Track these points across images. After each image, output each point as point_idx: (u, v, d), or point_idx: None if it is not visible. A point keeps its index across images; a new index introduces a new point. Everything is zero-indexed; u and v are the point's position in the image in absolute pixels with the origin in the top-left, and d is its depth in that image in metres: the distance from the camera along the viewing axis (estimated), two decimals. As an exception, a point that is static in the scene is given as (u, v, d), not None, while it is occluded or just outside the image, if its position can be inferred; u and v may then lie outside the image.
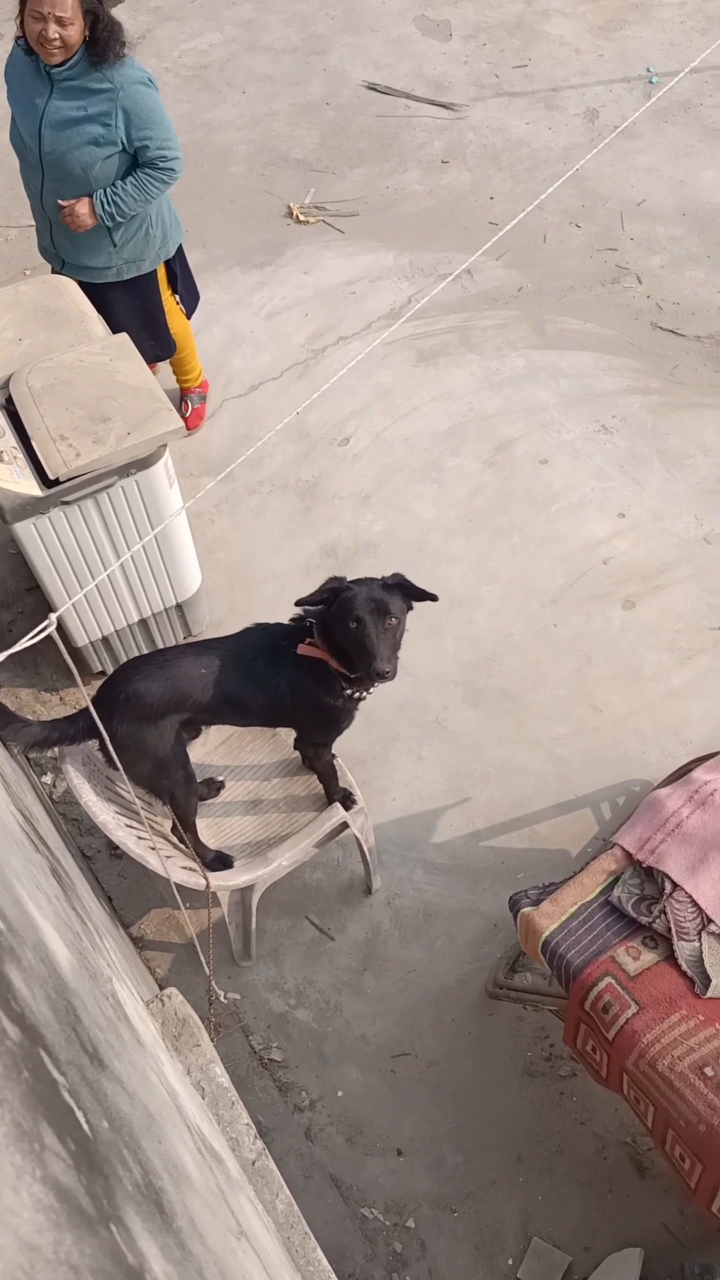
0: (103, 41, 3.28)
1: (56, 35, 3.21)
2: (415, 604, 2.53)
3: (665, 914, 2.36)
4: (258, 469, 4.30)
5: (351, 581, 2.47)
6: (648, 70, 5.53)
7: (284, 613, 2.98)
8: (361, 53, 5.85)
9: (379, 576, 2.49)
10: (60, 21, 3.19)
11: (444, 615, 3.80)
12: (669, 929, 2.34)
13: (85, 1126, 0.68)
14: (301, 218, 5.14)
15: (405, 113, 5.54)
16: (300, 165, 5.37)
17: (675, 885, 2.39)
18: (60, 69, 3.30)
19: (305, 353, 4.63)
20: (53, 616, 1.30)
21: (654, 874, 2.44)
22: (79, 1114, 0.68)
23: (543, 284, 4.78)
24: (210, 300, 4.68)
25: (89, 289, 3.63)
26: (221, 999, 2.96)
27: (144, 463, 3.07)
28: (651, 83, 5.48)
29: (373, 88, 5.67)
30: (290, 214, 5.16)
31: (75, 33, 3.24)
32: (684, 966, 2.30)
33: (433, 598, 2.47)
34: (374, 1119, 2.90)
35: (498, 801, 3.46)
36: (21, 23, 3.29)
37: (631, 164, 5.14)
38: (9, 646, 1.44)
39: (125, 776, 2.28)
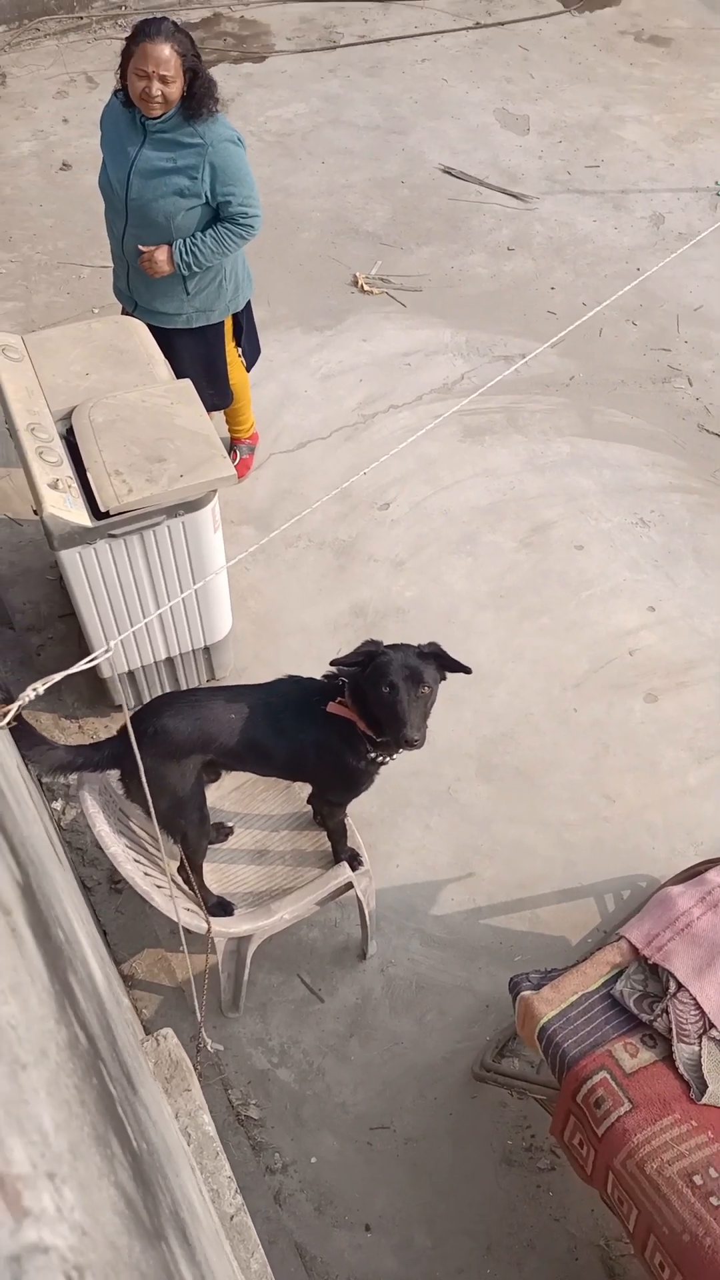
0: (199, 98, 3.41)
1: (159, 92, 3.34)
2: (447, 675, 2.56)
3: (667, 1014, 2.33)
4: (297, 524, 4.35)
5: (387, 646, 2.50)
6: (716, 184, 5.69)
7: (309, 667, 3.01)
8: (440, 137, 6.05)
9: (414, 644, 2.52)
10: (164, 79, 3.32)
11: (466, 687, 3.81)
12: (669, 1029, 2.31)
13: (134, 1143, 0.68)
14: (366, 287, 5.26)
15: (477, 198, 5.70)
16: (370, 237, 5.52)
17: (680, 986, 2.37)
18: (155, 121, 3.42)
19: (355, 416, 4.72)
20: (113, 643, 1.32)
21: (659, 972, 2.42)
22: (129, 1129, 0.68)
23: (594, 375, 4.87)
24: (269, 356, 4.78)
25: (157, 333, 3.72)
26: (209, 1048, 2.93)
27: (193, 505, 3.12)
28: (719, 195, 5.63)
29: (448, 171, 5.84)
30: (355, 283, 5.29)
31: (175, 90, 3.37)
32: (681, 1070, 2.27)
33: (466, 670, 2.49)
34: (346, 1190, 2.84)
35: (502, 880, 3.44)
36: (123, 76, 3.43)
37: (692, 270, 5.26)
38: (37, 669, 1.46)
39: (144, 810, 2.29)
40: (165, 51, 3.29)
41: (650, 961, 2.44)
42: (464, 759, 3.69)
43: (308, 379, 4.86)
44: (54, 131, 6.02)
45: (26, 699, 1.36)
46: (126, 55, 3.38)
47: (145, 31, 3.32)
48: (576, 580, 4.14)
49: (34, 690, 1.34)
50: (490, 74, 6.45)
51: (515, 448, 4.58)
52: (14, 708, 1.37)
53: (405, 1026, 3.13)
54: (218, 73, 6.29)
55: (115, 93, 3.53)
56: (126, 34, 6.64)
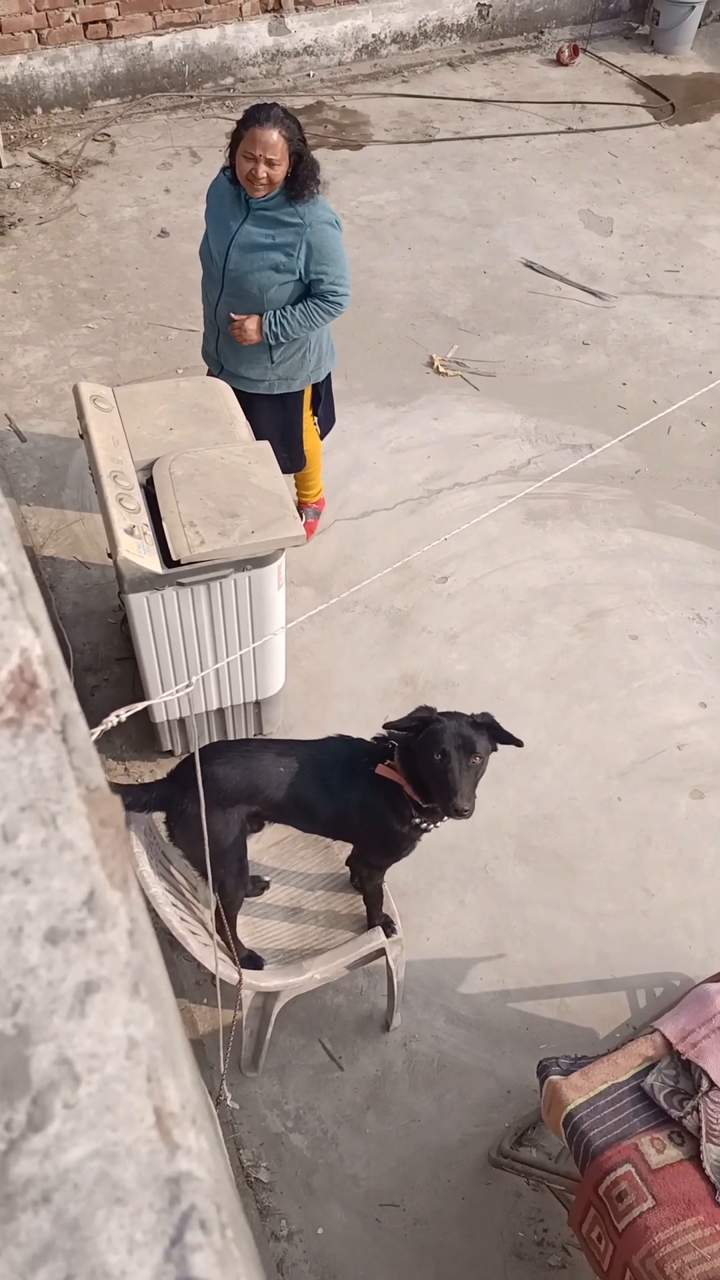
0: (302, 180, 3.57)
1: (264, 175, 3.50)
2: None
3: (698, 1112, 2.28)
4: (355, 589, 4.42)
5: (441, 714, 2.52)
6: (791, 296, 5.80)
7: (356, 730, 3.03)
8: (525, 233, 6.23)
9: (467, 713, 2.54)
10: (269, 163, 3.49)
11: (510, 766, 3.81)
12: (699, 1128, 2.26)
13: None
14: (441, 369, 5.40)
15: (556, 293, 5.85)
16: (449, 322, 5.67)
17: (712, 1085, 2.32)
18: (259, 199, 3.58)
19: (421, 491, 4.81)
20: (195, 678, 1.37)
21: (691, 1068, 2.38)
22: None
23: (660, 471, 4.93)
24: (342, 427, 4.90)
25: (240, 396, 3.84)
26: (228, 1102, 2.90)
27: (261, 561, 3.19)
28: None
29: (530, 265, 6.01)
30: (431, 364, 5.42)
31: (280, 172, 3.53)
32: (708, 1170, 2.21)
33: (518, 743, 2.51)
34: (350, 1266, 2.77)
35: (533, 964, 3.40)
36: (232, 155, 3.60)
37: (763, 377, 5.34)
38: (90, 709, 1.51)
39: (185, 855, 2.31)
40: (273, 136, 3.46)
41: (684, 1057, 2.40)
42: (503, 837, 3.68)
43: (377, 451, 4.97)
44: (155, 200, 6.29)
45: (110, 724, 1.40)
46: (236, 137, 3.55)
47: (255, 117, 3.50)
48: (629, 669, 4.14)
49: (117, 717, 1.39)
50: (578, 176, 6.66)
51: (576, 534, 4.64)
52: (96, 731, 1.42)
53: (424, 1104, 3.08)
54: (316, 156, 6.55)
55: (223, 170, 3.71)
56: (232, 114, 6.95)
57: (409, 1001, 3.28)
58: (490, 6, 7.64)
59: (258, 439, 3.64)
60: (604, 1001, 3.32)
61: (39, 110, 6.79)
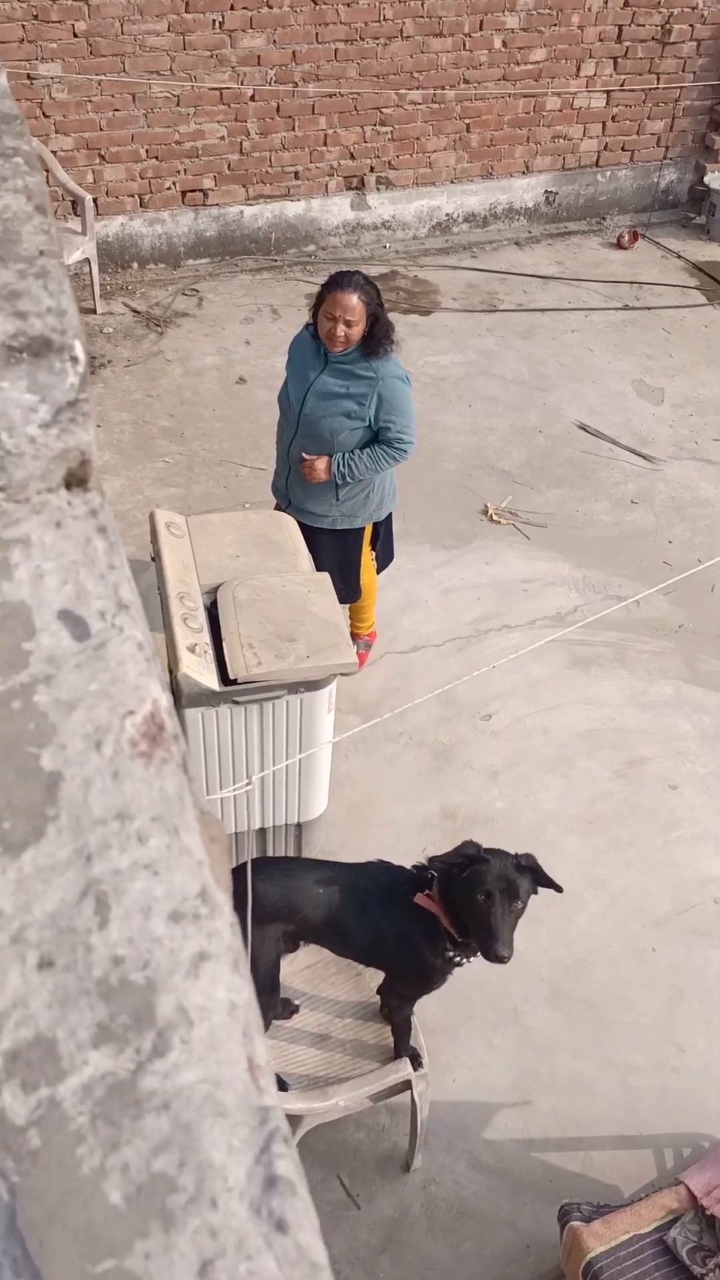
0: (377, 339, 3.87)
1: (342, 334, 3.80)
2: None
3: (721, 1273, 2.22)
4: (402, 720, 4.52)
5: (486, 851, 2.57)
6: None
7: (394, 860, 3.09)
8: (580, 398, 6.56)
9: (511, 852, 2.59)
10: (348, 323, 3.80)
11: (545, 908, 3.80)
12: (723, 1291, 2.20)
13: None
14: (495, 518, 5.63)
15: (607, 454, 6.12)
16: (504, 475, 5.93)
17: (738, 1245, 2.26)
18: (336, 354, 3.88)
19: (470, 630, 4.96)
20: (255, 777, 1.48)
21: (715, 1224, 2.32)
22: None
23: (703, 626, 5.04)
24: (397, 565, 5.10)
25: (304, 529, 4.06)
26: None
27: (313, 685, 3.33)
28: None
29: (583, 428, 6.30)
30: (486, 512, 5.66)
31: (357, 332, 3.83)
32: (731, 1339, 2.14)
33: (559, 889, 2.55)
34: None
35: (559, 1115, 3.33)
36: (315, 313, 3.92)
37: None
38: None
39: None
40: (353, 300, 3.78)
41: (708, 1212, 2.34)
42: (535, 980, 3.65)
43: (430, 590, 5.16)
44: (236, 350, 6.73)
45: (225, 795, 1.51)
46: (320, 298, 3.88)
47: (338, 282, 3.83)
48: (667, 819, 4.17)
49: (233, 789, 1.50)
50: (633, 349, 7.03)
51: (619, 681, 4.73)
52: (229, 791, 1.52)
53: (440, 1252, 2.99)
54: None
55: (306, 326, 4.03)
56: (313, 278, 7.45)
57: (431, 1142, 3.22)
58: (557, 194, 8.23)
59: (318, 570, 3.83)
60: (630, 1158, 3.23)
61: (135, 265, 7.36)
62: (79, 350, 0.71)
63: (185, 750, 0.66)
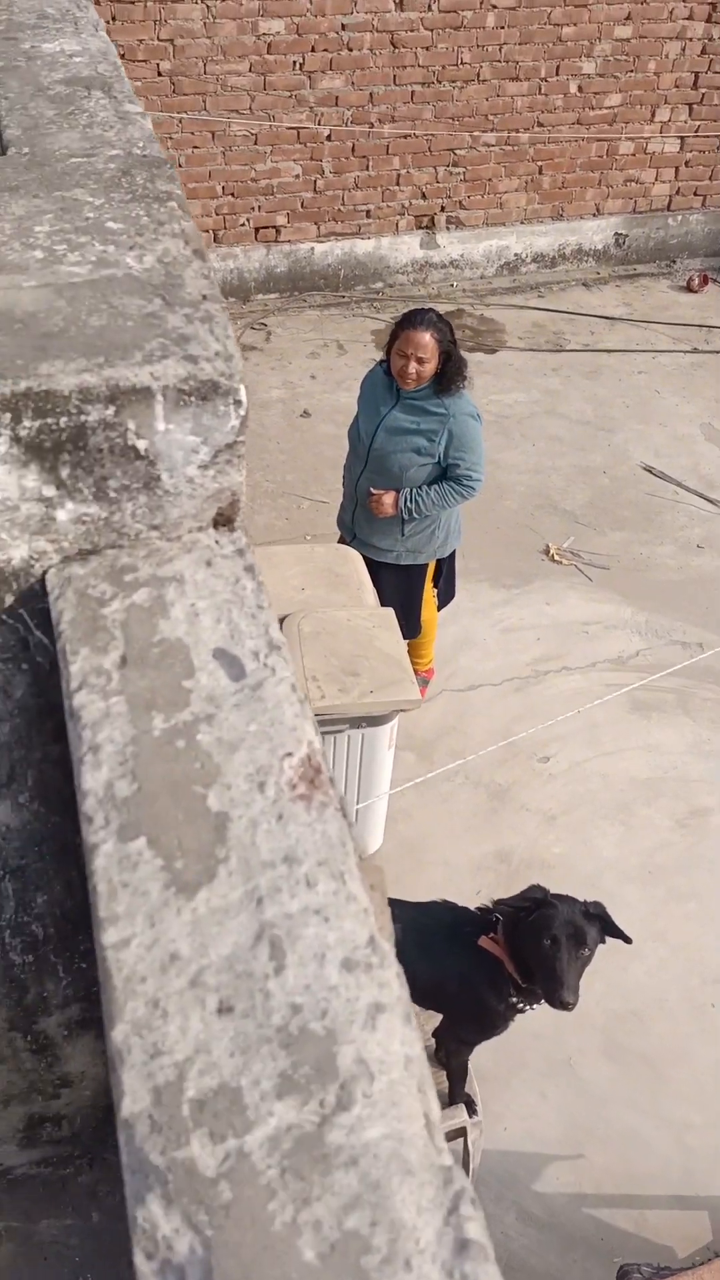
0: (449, 377, 3.89)
1: (414, 371, 3.83)
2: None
3: (789, 1349, 2.15)
4: (457, 759, 4.50)
5: (554, 896, 2.54)
6: None
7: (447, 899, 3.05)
8: (646, 439, 6.54)
9: (580, 899, 2.55)
10: (420, 360, 3.82)
11: (601, 957, 3.69)
12: None
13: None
14: (557, 558, 5.61)
15: (673, 497, 6.08)
16: (566, 515, 5.92)
17: None
18: (408, 390, 3.90)
19: (529, 671, 4.93)
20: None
21: (784, 1299, 2.25)
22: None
23: (769, 676, 4.97)
24: (457, 603, 5.09)
25: (368, 563, 4.07)
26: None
27: (375, 720, 3.32)
28: None
29: (649, 469, 6.27)
30: (547, 552, 5.64)
31: (429, 369, 3.85)
32: None
33: (627, 939, 2.51)
34: None
35: (612, 1170, 3.25)
36: (388, 350, 3.95)
37: None
38: None
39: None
40: (425, 338, 3.80)
41: (776, 1286, 2.27)
42: (590, 1031, 3.58)
43: (489, 629, 5.14)
44: (301, 384, 6.80)
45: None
46: (393, 336, 3.91)
47: (411, 320, 3.86)
48: (729, 871, 4.09)
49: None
50: (701, 393, 7.00)
51: (682, 729, 4.67)
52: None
53: (487, 1306, 2.92)
54: (453, 356, 7.04)
55: (380, 362, 4.06)
56: (380, 314, 7.51)
57: (480, 1192, 3.15)
58: (627, 236, 8.25)
59: (381, 605, 3.83)
60: (686, 1219, 3.15)
61: (206, 297, 7.48)
62: (243, 394, 0.71)
63: (341, 794, 0.66)
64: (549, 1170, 3.24)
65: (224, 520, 0.78)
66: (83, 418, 0.68)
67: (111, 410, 0.68)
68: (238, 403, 0.73)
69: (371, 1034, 0.51)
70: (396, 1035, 0.52)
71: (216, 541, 0.77)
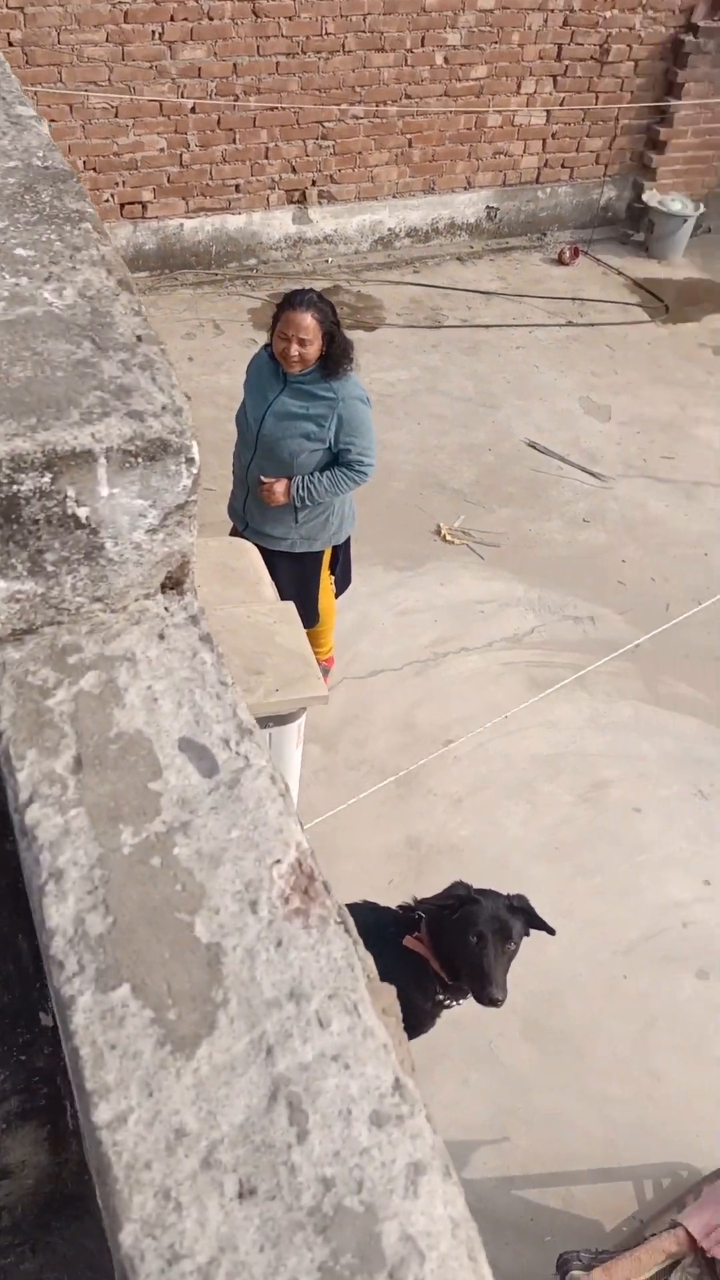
0: (335, 359, 3.82)
1: (297, 353, 3.74)
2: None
3: (727, 1319, 2.20)
4: (361, 748, 4.47)
5: (477, 891, 2.53)
6: (779, 488, 6.12)
7: (360, 891, 3.02)
8: (527, 415, 6.58)
9: (503, 893, 2.55)
10: (302, 342, 3.73)
11: (515, 936, 3.78)
12: (728, 1338, 2.18)
13: None
14: (448, 538, 5.61)
15: (557, 472, 6.15)
16: (455, 494, 5.92)
17: (741, 1289, 2.24)
18: (295, 374, 3.81)
19: (427, 654, 4.92)
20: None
21: (716, 1266, 2.30)
22: None
23: (660, 647, 5.07)
24: (352, 588, 5.04)
25: (262, 552, 3.97)
26: None
27: (282, 719, 3.24)
28: (782, 499, 6.05)
29: (532, 445, 6.33)
30: (438, 532, 5.63)
31: (313, 351, 3.77)
32: None
33: (551, 931, 2.52)
34: None
35: (538, 1151, 3.29)
36: (271, 334, 3.86)
37: (755, 563, 5.58)
38: None
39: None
40: (307, 319, 3.72)
41: (708, 1254, 2.32)
42: (508, 1015, 3.60)
43: (385, 612, 5.11)
44: (179, 366, 6.61)
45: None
46: (275, 318, 3.81)
47: (291, 301, 3.77)
48: (632, 843, 4.17)
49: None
50: (578, 366, 7.09)
51: (579, 704, 4.73)
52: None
53: (425, 1298, 2.92)
54: (333, 335, 6.95)
55: (265, 346, 3.96)
56: (255, 292, 7.36)
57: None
58: (498, 210, 8.27)
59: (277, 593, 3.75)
60: (611, 1192, 3.21)
61: (74, 278, 7.19)
62: (195, 451, 0.63)
63: (338, 902, 0.59)
64: (476, 1156, 3.26)
65: (173, 584, 0.70)
66: (15, 488, 0.59)
67: (48, 478, 0.60)
68: (190, 460, 0.65)
69: (414, 1202, 0.45)
70: (439, 1197, 0.46)
71: (166, 609, 0.69)
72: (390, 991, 0.56)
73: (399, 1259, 0.44)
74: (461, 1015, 3.53)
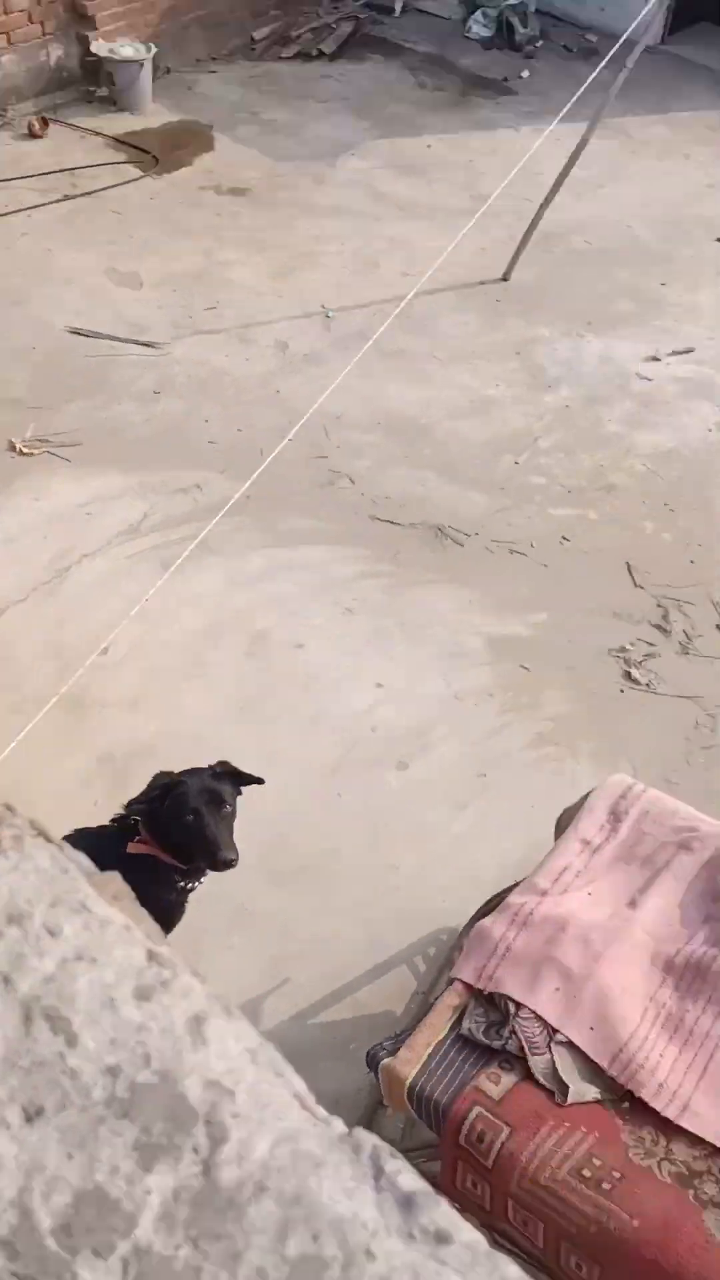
0: None
1: None
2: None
3: (515, 1034, 2.50)
4: (15, 690, 4.27)
5: (180, 774, 2.55)
6: (322, 307, 6.32)
7: (69, 823, 2.95)
8: (59, 302, 6.27)
9: (204, 766, 2.58)
10: None
11: (231, 803, 3.88)
12: (521, 1048, 2.48)
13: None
14: (24, 450, 5.32)
15: (110, 352, 5.96)
16: (15, 404, 5.59)
17: (518, 1005, 2.55)
18: None
19: (50, 573, 4.73)
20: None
21: (496, 999, 2.59)
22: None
23: (267, 491, 5.18)
24: (-55, 532, 4.70)
25: None
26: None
27: None
28: (328, 316, 6.25)
29: (76, 332, 6.06)
30: (13, 448, 5.33)
31: None
32: (541, 1080, 2.43)
33: (259, 781, 2.60)
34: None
35: (317, 977, 3.49)
36: None
37: (324, 385, 5.77)
38: None
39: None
40: None
41: (486, 992, 2.60)
42: (248, 872, 3.69)
43: (-11, 546, 4.81)
44: None
45: None
46: None
47: None
48: (305, 677, 4.35)
49: None
50: (92, 239, 6.80)
51: (214, 570, 4.78)
52: None
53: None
54: None
55: None
56: None
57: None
58: (-54, 91, 7.57)
59: None
60: (389, 981, 3.49)
61: None
62: None
63: (28, 817, 0.56)
64: (265, 1009, 3.41)
65: None
66: None
67: None
68: None
69: (206, 1050, 0.46)
70: (229, 1035, 0.47)
71: None
72: (115, 878, 0.55)
73: (210, 1105, 0.44)
74: (206, 891, 3.60)
